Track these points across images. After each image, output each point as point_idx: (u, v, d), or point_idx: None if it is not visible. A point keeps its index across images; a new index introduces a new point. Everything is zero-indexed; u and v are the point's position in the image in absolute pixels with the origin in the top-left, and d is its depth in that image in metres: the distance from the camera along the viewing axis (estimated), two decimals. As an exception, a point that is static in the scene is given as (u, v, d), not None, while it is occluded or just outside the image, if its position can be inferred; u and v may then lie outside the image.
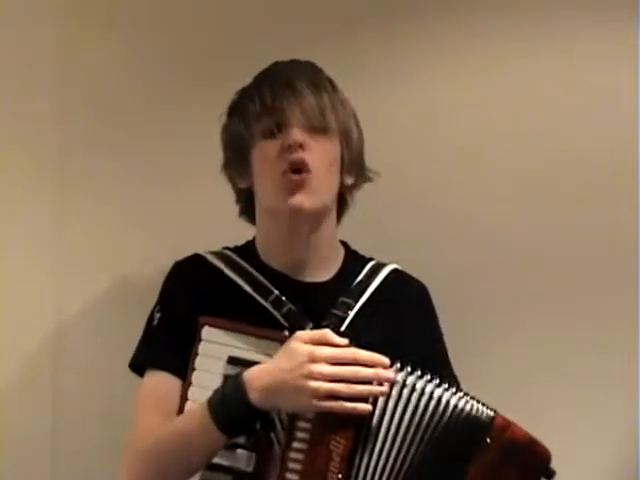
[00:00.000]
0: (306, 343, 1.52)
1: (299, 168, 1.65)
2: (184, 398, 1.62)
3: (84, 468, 2.04)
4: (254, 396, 1.50)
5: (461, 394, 1.55)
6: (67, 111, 2.07)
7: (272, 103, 1.67)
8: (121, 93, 2.09)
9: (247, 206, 1.79)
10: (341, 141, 1.72)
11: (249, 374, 1.52)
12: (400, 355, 1.56)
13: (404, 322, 1.74)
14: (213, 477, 1.58)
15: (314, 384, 1.48)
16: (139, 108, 2.09)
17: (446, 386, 1.55)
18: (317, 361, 1.49)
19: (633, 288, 2.09)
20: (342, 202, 1.78)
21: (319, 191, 1.67)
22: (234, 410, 1.51)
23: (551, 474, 1.55)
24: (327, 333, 1.54)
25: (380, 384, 1.52)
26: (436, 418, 1.52)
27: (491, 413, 1.53)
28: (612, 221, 2.12)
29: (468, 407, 1.53)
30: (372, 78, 2.11)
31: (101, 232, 2.08)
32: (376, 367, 1.53)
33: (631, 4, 2.10)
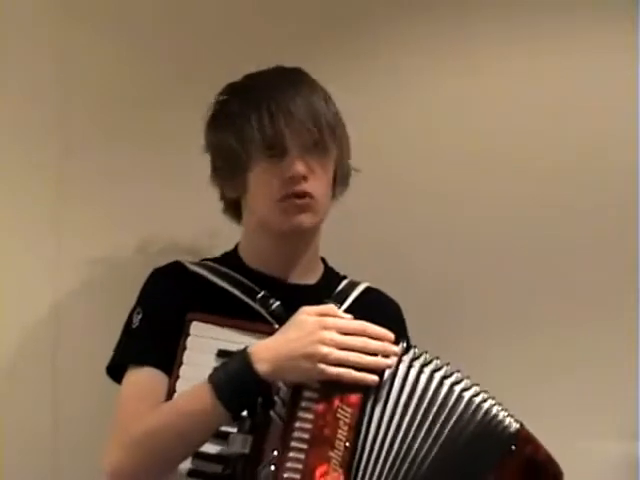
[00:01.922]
0: (313, 315, 1.52)
1: (302, 196, 1.67)
2: (172, 391, 1.61)
3: (84, 455, 2.04)
4: (262, 367, 1.49)
5: (485, 395, 1.54)
6: (67, 115, 2.07)
7: (272, 129, 1.66)
8: (121, 97, 2.08)
9: (234, 212, 1.80)
10: (337, 157, 1.73)
11: (254, 347, 1.51)
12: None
13: None
14: (204, 466, 1.57)
15: (326, 349, 1.48)
16: (138, 112, 2.09)
17: (461, 378, 1.54)
18: (328, 328, 1.50)
19: (633, 288, 2.09)
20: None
21: (319, 211, 1.70)
22: (241, 382, 1.50)
23: None
24: (333, 307, 1.56)
25: (387, 358, 1.52)
26: (450, 409, 1.52)
27: (517, 425, 1.53)
28: (612, 221, 2.12)
29: (494, 410, 1.53)
30: (371, 78, 2.11)
31: (100, 235, 2.08)
32: (383, 341, 1.53)
33: (631, 4, 2.11)
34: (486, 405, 1.53)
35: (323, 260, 1.84)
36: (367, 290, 1.82)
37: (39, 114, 2.06)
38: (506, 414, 1.53)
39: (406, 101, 2.15)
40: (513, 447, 1.52)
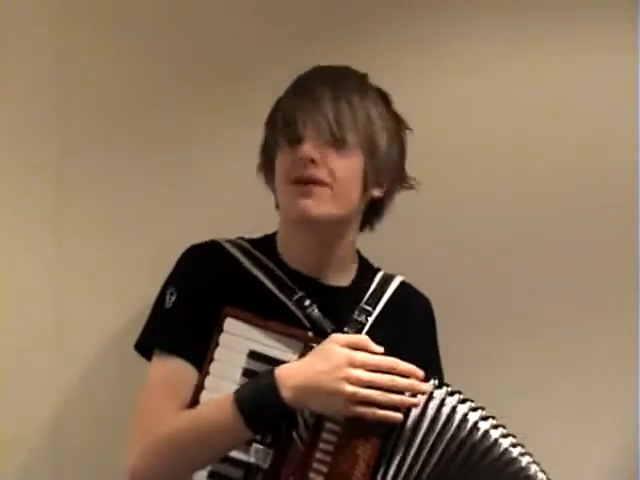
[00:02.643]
0: (343, 347, 1.51)
1: (310, 182, 1.64)
2: (200, 387, 1.59)
3: (85, 459, 2.04)
4: (287, 394, 1.48)
5: (514, 440, 1.53)
6: (67, 115, 2.07)
7: (292, 115, 1.65)
8: (121, 97, 2.08)
9: None
10: (365, 155, 1.68)
11: (282, 372, 1.50)
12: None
13: (411, 332, 1.74)
14: (225, 469, 1.56)
15: (351, 389, 1.47)
16: (138, 112, 2.08)
17: (497, 425, 1.53)
18: (356, 366, 1.48)
19: (633, 288, 2.09)
20: (372, 212, 1.77)
21: (329, 202, 1.64)
22: (265, 407, 1.50)
23: None
24: (365, 339, 1.53)
25: (414, 396, 1.51)
26: (480, 454, 1.51)
27: None
28: (612, 221, 2.12)
29: (524, 462, 1.52)
30: (372, 77, 2.11)
31: (100, 235, 2.08)
32: (411, 378, 1.52)
33: (631, 4, 2.11)
34: (524, 460, 1.52)
35: (358, 253, 1.81)
36: (401, 286, 1.79)
37: (39, 114, 2.06)
38: (538, 471, 1.52)
39: (405, 101, 2.15)
40: None
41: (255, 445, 1.53)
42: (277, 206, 1.76)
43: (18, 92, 2.05)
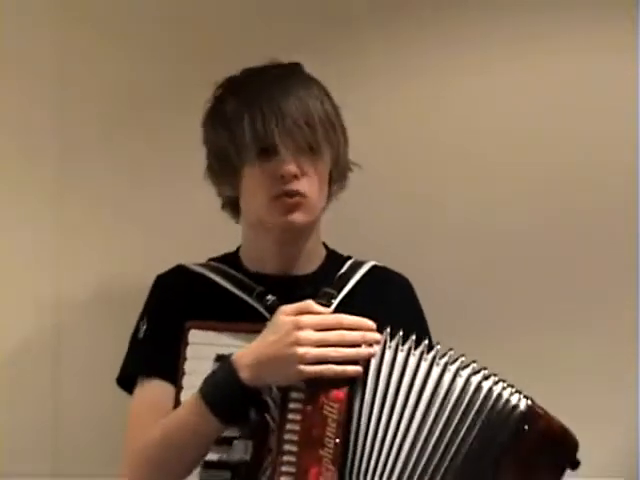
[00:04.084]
0: (290, 314, 1.52)
1: (294, 194, 1.66)
2: (177, 403, 1.61)
3: (85, 458, 2.04)
4: (244, 374, 1.49)
5: (485, 372, 1.52)
6: (67, 115, 2.07)
7: (263, 130, 1.64)
8: (121, 97, 2.09)
9: (233, 209, 1.79)
10: (332, 157, 1.71)
11: (237, 355, 1.52)
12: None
13: (387, 311, 1.69)
14: (212, 475, 1.56)
15: (301, 350, 1.47)
16: (138, 112, 2.09)
17: (455, 357, 1.52)
18: (303, 328, 1.49)
19: (633, 289, 2.10)
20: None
21: (312, 210, 1.69)
22: (227, 392, 1.50)
23: (577, 464, 1.53)
24: (310, 303, 1.54)
25: (370, 347, 1.51)
26: (451, 390, 1.50)
27: (528, 401, 1.50)
28: (612, 221, 2.12)
29: (498, 388, 1.50)
30: (371, 77, 2.11)
31: (100, 235, 2.08)
32: (362, 330, 1.52)
33: (631, 4, 2.11)
34: (487, 383, 1.50)
35: (325, 245, 1.82)
36: (373, 269, 1.80)
37: (39, 114, 2.06)
38: (512, 391, 1.51)
39: (408, 101, 2.15)
40: (526, 427, 1.49)
41: (234, 442, 1.53)
42: (222, 207, 1.79)
43: (18, 92, 2.05)
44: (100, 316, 2.06)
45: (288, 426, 1.47)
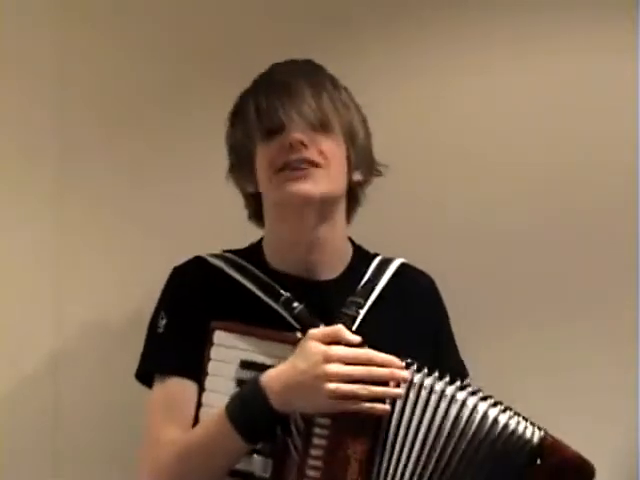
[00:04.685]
0: (319, 341, 1.50)
1: (302, 164, 1.63)
2: (199, 404, 1.60)
3: (85, 458, 2.04)
4: (274, 399, 1.48)
5: (501, 407, 1.52)
6: (67, 115, 2.07)
7: (268, 106, 1.63)
8: (121, 97, 2.09)
9: (256, 210, 1.76)
10: (346, 140, 1.68)
11: (266, 378, 1.50)
12: (413, 352, 1.55)
13: (415, 315, 1.73)
14: None
15: (331, 386, 1.46)
16: (138, 112, 2.09)
17: (475, 391, 1.53)
18: (331, 361, 1.48)
19: (633, 288, 2.10)
20: (352, 199, 1.76)
21: (323, 180, 1.64)
22: (255, 416, 1.50)
23: None
24: (340, 330, 1.52)
25: (397, 386, 1.50)
26: (464, 427, 1.50)
27: (541, 433, 1.51)
28: (612, 221, 2.12)
29: (513, 423, 1.51)
30: (371, 77, 2.11)
31: (100, 235, 2.08)
32: (391, 367, 1.51)
33: (631, 4, 2.11)
34: (503, 418, 1.51)
35: (351, 241, 1.79)
36: (400, 268, 1.78)
37: (39, 114, 2.06)
38: (526, 425, 1.51)
39: (409, 101, 2.16)
40: (538, 461, 1.50)
41: (255, 456, 1.53)
42: (249, 217, 1.77)
43: (18, 92, 2.05)
44: (100, 316, 2.06)
45: (310, 462, 1.47)
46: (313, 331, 1.52)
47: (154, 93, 2.09)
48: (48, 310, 2.06)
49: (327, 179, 1.64)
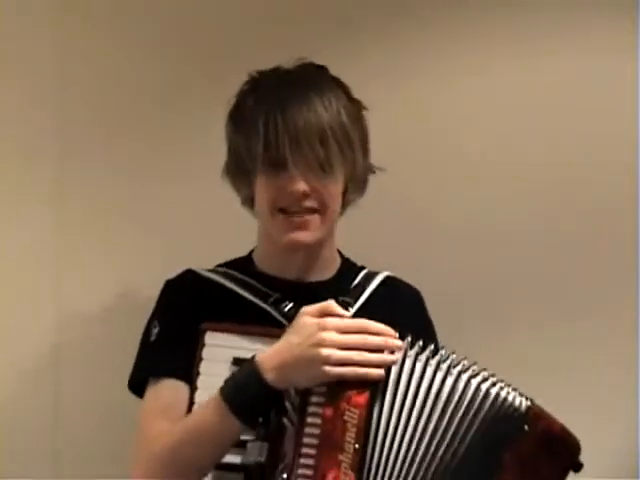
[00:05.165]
0: (313, 316, 1.51)
1: (302, 213, 1.66)
2: (191, 402, 1.61)
3: (86, 458, 2.04)
4: (269, 376, 1.49)
5: (493, 379, 1.53)
6: (67, 115, 2.07)
7: (275, 144, 1.63)
8: (121, 97, 2.09)
9: (252, 207, 1.77)
10: (346, 176, 1.71)
11: (260, 357, 1.51)
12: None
13: (399, 321, 1.72)
14: (225, 477, 1.57)
15: (326, 351, 1.47)
16: (138, 112, 2.09)
17: (468, 366, 1.54)
18: (327, 329, 1.49)
19: (633, 288, 2.10)
20: (342, 206, 1.76)
21: (320, 227, 1.69)
22: (251, 393, 1.50)
23: (579, 466, 1.55)
24: (331, 304, 1.53)
25: (391, 354, 1.52)
26: (463, 398, 1.51)
27: (528, 402, 1.53)
28: (612, 221, 2.12)
29: (504, 393, 1.52)
30: (371, 77, 2.11)
31: (100, 235, 2.08)
32: (385, 336, 1.52)
33: (631, 4, 2.11)
34: (494, 389, 1.52)
35: (340, 253, 1.83)
36: (386, 280, 1.81)
37: (39, 114, 2.06)
38: (515, 394, 1.52)
39: (409, 101, 2.16)
40: (526, 427, 1.51)
41: (250, 444, 1.52)
42: (242, 203, 1.77)
43: (18, 92, 2.05)
44: (100, 316, 2.07)
45: (307, 429, 1.46)
46: (305, 307, 1.53)
47: (154, 93, 2.09)
48: (48, 310, 2.06)
49: (324, 225, 1.69)
